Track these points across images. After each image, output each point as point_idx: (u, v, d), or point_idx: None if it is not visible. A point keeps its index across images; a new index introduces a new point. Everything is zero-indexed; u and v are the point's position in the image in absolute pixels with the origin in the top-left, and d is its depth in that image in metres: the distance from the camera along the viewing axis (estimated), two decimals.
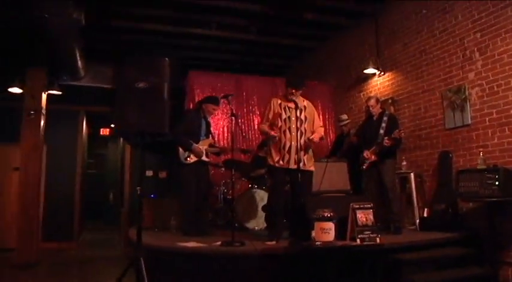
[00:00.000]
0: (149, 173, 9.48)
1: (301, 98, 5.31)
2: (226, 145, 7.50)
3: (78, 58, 7.62)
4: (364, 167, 6.10)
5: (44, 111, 7.72)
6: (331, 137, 8.74)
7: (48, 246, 8.67)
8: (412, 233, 5.87)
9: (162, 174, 9.61)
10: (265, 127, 5.27)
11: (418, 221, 6.21)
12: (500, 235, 5.29)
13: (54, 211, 9.05)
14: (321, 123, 5.54)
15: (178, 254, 4.70)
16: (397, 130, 5.79)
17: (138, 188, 4.17)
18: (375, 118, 6.25)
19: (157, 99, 3.95)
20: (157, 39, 8.91)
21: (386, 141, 5.78)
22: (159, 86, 3.97)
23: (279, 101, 5.29)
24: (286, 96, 5.27)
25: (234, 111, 5.52)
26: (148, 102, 3.90)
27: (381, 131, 5.99)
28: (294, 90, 5.17)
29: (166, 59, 4.08)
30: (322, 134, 5.42)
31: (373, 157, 5.99)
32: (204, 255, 4.61)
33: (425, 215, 6.19)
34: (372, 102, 6.26)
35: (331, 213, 4.12)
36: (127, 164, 10.14)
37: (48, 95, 8.09)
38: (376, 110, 6.25)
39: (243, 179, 7.33)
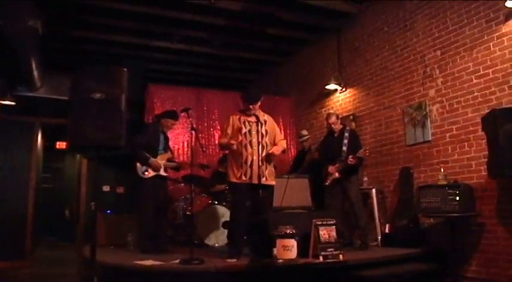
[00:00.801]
0: (106, 188, 9.15)
1: (261, 112, 5.23)
2: (186, 160, 7.35)
3: (35, 68, 7.35)
4: (327, 183, 6.05)
5: None
6: (293, 152, 8.70)
7: None
8: (375, 249, 5.84)
9: (120, 190, 9.29)
10: (225, 139, 5.16)
11: (380, 237, 6.18)
12: (461, 250, 5.32)
13: (5, 228, 8.58)
14: (282, 136, 5.46)
15: (135, 272, 4.48)
16: (362, 149, 5.81)
17: (93, 203, 3.97)
18: (336, 134, 6.23)
19: (114, 111, 3.75)
20: (119, 51, 8.70)
21: (351, 159, 5.75)
22: (117, 97, 3.78)
23: (238, 116, 5.19)
24: (246, 111, 5.17)
25: (194, 125, 5.36)
26: (105, 114, 3.70)
27: (344, 148, 5.99)
28: (251, 105, 5.09)
29: (125, 69, 3.91)
30: (285, 146, 5.35)
31: (336, 174, 5.95)
32: (161, 274, 4.42)
33: (387, 230, 6.17)
34: (333, 119, 6.25)
35: (294, 230, 4.04)
36: (83, 179, 9.80)
37: (1, 105, 7.75)
38: (337, 127, 6.24)
39: (203, 194, 7.16)
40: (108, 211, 7.17)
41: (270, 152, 5.05)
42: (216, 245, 6.48)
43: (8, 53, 6.54)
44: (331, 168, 6.01)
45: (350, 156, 5.77)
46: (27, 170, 9.14)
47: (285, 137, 8.75)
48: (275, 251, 4.04)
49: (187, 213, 6.80)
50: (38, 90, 8.54)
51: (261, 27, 7.90)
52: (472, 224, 5.30)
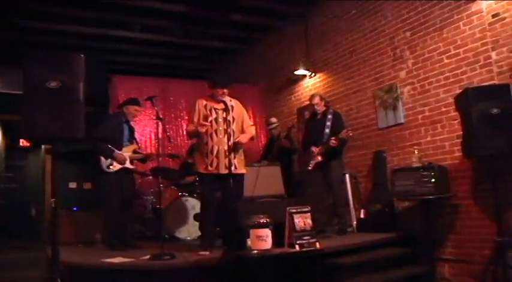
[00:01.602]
0: (73, 184, 8.84)
1: (228, 97, 5.01)
2: (154, 152, 7.10)
3: None
4: (309, 167, 5.86)
5: None
6: (263, 140, 8.54)
7: None
8: (350, 235, 5.72)
9: (87, 186, 8.98)
10: (192, 127, 4.94)
11: (355, 222, 6.10)
12: (436, 232, 5.27)
13: None
14: (251, 122, 5.25)
15: (103, 271, 4.24)
16: (344, 130, 5.62)
17: (53, 200, 3.71)
18: (319, 117, 6.04)
19: (71, 100, 3.50)
20: (78, 43, 8.35)
21: (333, 141, 5.59)
22: (73, 85, 3.54)
23: (205, 102, 4.97)
24: (213, 97, 4.96)
25: (160, 115, 5.11)
26: (61, 104, 3.45)
27: (327, 130, 5.79)
28: (221, 90, 4.88)
29: (82, 55, 3.65)
30: (253, 133, 5.16)
31: (319, 157, 5.77)
32: (131, 271, 4.20)
33: (362, 216, 6.08)
34: (316, 100, 6.03)
35: (267, 219, 3.85)
36: (48, 176, 9.44)
37: None
38: (320, 108, 6.04)
39: (173, 187, 6.93)
40: (75, 208, 6.87)
41: (237, 140, 4.86)
42: (188, 238, 6.30)
43: None
44: (314, 149, 5.79)
45: (332, 138, 5.61)
46: None
47: (255, 126, 8.61)
48: (249, 241, 3.85)
49: (157, 206, 6.58)
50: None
51: (225, 14, 7.67)
52: (446, 206, 5.24)
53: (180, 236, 6.34)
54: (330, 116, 5.92)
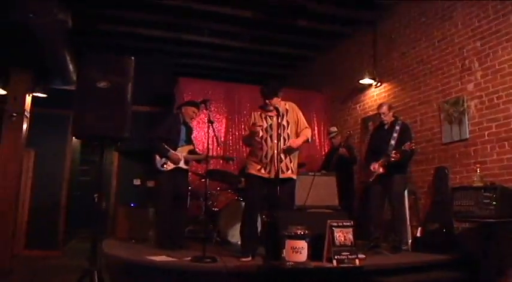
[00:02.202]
0: (137, 181, 9.11)
1: (282, 102, 4.96)
2: (216, 154, 7.22)
3: (69, 61, 7.36)
4: (370, 179, 5.70)
5: (27, 114, 7.43)
6: (326, 149, 8.37)
7: (31, 253, 8.35)
8: (403, 254, 5.43)
9: (151, 183, 9.21)
10: (247, 132, 4.97)
11: (410, 240, 5.79)
12: (497, 259, 4.88)
13: (39, 218, 8.71)
14: (307, 124, 5.14)
15: (143, 267, 4.34)
16: (408, 142, 5.37)
17: (96, 195, 3.81)
18: (386, 127, 5.84)
19: (119, 101, 3.61)
20: (150, 45, 8.65)
21: (393, 155, 5.38)
22: (122, 86, 3.65)
23: (259, 112, 4.99)
24: (264, 106, 4.95)
25: (211, 118, 5.15)
26: (109, 104, 3.57)
27: (392, 142, 5.56)
28: (268, 101, 4.85)
29: (132, 58, 3.78)
30: (308, 135, 5.00)
31: (381, 170, 5.58)
32: (169, 271, 4.24)
33: (418, 234, 5.77)
34: (384, 109, 5.85)
35: (304, 231, 3.73)
36: (114, 171, 9.83)
37: (35, 98, 7.80)
38: (388, 118, 5.84)
39: (229, 190, 6.95)
40: (132, 204, 7.07)
41: (288, 145, 4.79)
42: (239, 242, 6.27)
43: (40, 46, 6.56)
44: (373, 166, 5.63)
45: (393, 151, 5.39)
46: (62, 163, 9.26)
47: (319, 134, 8.50)
48: (284, 252, 3.75)
49: (213, 209, 6.62)
50: (75, 84, 8.58)
51: (292, 20, 7.60)
52: (511, 231, 4.83)
53: (233, 240, 6.33)
54: (397, 127, 5.68)
